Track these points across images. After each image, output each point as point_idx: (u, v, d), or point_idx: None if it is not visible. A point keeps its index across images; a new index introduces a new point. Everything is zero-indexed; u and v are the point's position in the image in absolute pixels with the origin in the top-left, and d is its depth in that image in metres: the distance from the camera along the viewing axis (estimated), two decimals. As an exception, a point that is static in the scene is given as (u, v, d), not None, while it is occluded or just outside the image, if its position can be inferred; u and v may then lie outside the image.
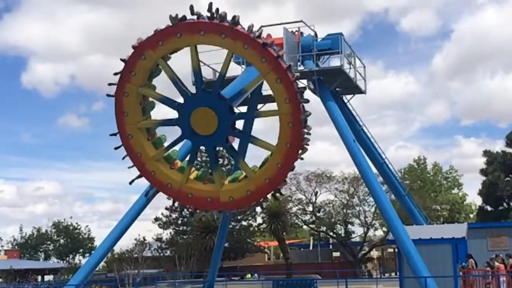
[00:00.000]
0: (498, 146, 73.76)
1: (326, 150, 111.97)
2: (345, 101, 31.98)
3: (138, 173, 17.17)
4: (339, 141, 28.38)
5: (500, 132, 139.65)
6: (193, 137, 16.57)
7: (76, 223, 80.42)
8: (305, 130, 15.85)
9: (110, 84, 16.87)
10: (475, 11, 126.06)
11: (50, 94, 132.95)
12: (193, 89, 16.79)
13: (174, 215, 59.87)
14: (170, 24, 16.00)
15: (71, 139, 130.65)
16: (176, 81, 16.46)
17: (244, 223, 60.24)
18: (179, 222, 60.11)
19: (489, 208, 57.69)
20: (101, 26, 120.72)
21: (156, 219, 60.49)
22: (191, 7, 15.81)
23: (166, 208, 59.61)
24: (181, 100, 16.66)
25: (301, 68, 28.29)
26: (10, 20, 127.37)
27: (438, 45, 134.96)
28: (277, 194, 16.61)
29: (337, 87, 30.34)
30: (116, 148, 17.10)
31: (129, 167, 17.12)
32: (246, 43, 15.44)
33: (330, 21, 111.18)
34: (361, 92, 31.73)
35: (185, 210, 19.86)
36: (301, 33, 29.22)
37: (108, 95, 16.97)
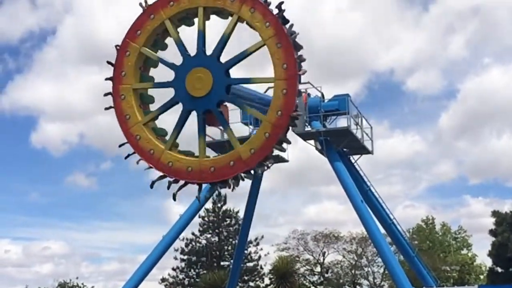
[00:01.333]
0: (507, 206, 73.36)
1: (333, 210, 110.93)
2: (353, 161, 32.03)
3: (155, 176, 16.77)
4: (346, 200, 28.31)
5: (509, 191, 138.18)
6: (195, 104, 16.21)
7: (82, 284, 79.53)
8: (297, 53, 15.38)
9: (106, 95, 17.08)
10: (480, 72, 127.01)
11: (59, 153, 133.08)
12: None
13: (181, 276, 59.33)
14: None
15: (78, 198, 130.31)
16: (162, 60, 16.82)
17: (251, 283, 59.55)
18: (186, 282, 59.50)
19: (499, 270, 56.88)
20: (110, 86, 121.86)
21: (163, 279, 59.91)
22: None
23: (173, 269, 59.25)
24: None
25: (308, 129, 28.48)
26: (21, 81, 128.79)
27: (444, 105, 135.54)
28: (295, 121, 15.57)
29: (344, 147, 30.42)
30: (126, 158, 16.87)
31: (146, 169, 16.78)
32: None
33: (336, 81, 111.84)
34: (368, 152, 31.78)
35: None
36: (308, 94, 29.47)
37: (106, 108, 17.05)
